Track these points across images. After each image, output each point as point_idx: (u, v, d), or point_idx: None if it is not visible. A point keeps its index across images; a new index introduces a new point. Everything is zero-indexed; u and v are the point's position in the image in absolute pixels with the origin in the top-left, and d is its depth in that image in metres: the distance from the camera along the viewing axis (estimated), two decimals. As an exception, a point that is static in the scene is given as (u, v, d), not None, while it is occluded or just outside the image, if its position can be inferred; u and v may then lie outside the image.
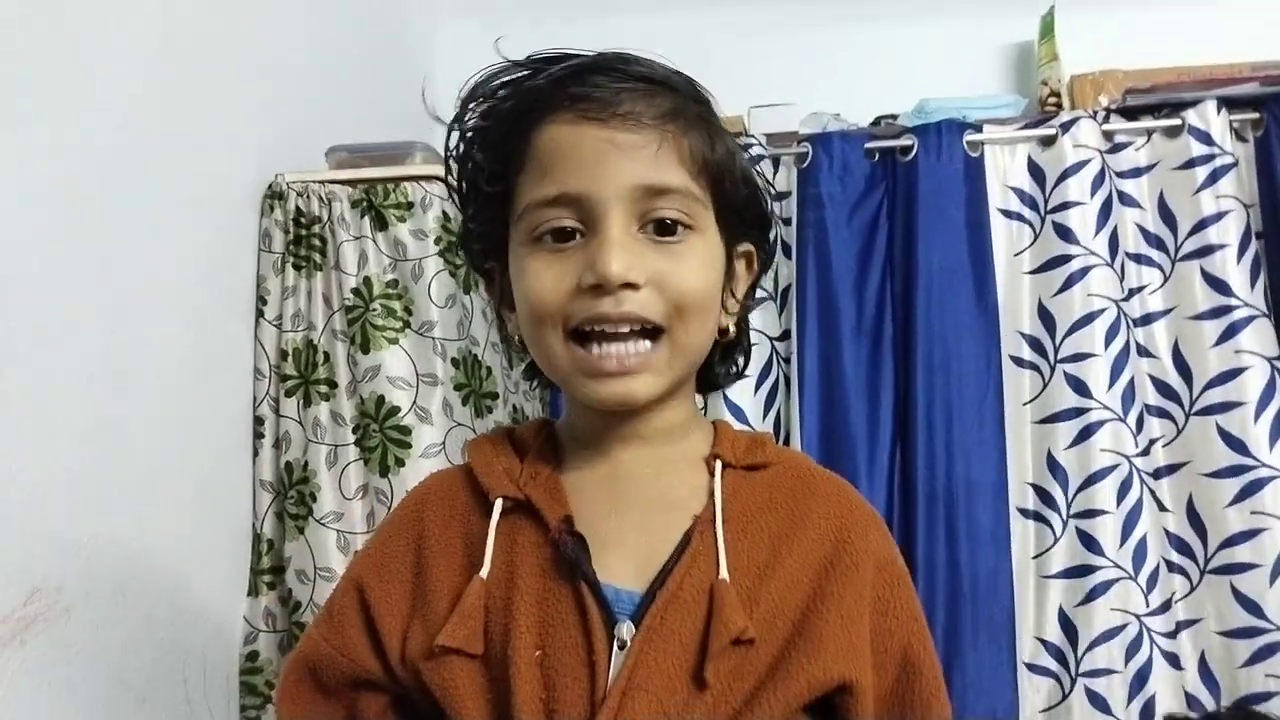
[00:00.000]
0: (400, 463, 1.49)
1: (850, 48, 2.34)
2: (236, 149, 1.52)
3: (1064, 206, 1.61)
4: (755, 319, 1.63)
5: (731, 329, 0.79)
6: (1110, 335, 1.56)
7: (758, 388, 1.65)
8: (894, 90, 2.03)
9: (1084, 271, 1.58)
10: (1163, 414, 1.58)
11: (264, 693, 1.47)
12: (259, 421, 1.53)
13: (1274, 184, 1.57)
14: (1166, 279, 1.61)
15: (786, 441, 1.62)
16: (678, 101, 0.71)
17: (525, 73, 0.73)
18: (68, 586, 1.09)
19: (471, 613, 0.69)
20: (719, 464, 0.74)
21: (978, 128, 1.68)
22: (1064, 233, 1.60)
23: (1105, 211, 1.60)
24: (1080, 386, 1.55)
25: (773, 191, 1.64)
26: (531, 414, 1.66)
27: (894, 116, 1.94)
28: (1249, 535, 1.49)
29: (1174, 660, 1.48)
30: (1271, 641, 1.46)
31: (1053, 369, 1.58)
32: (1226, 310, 1.55)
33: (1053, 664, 1.50)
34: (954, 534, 1.53)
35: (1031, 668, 1.51)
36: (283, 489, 1.52)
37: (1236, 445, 1.51)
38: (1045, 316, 1.60)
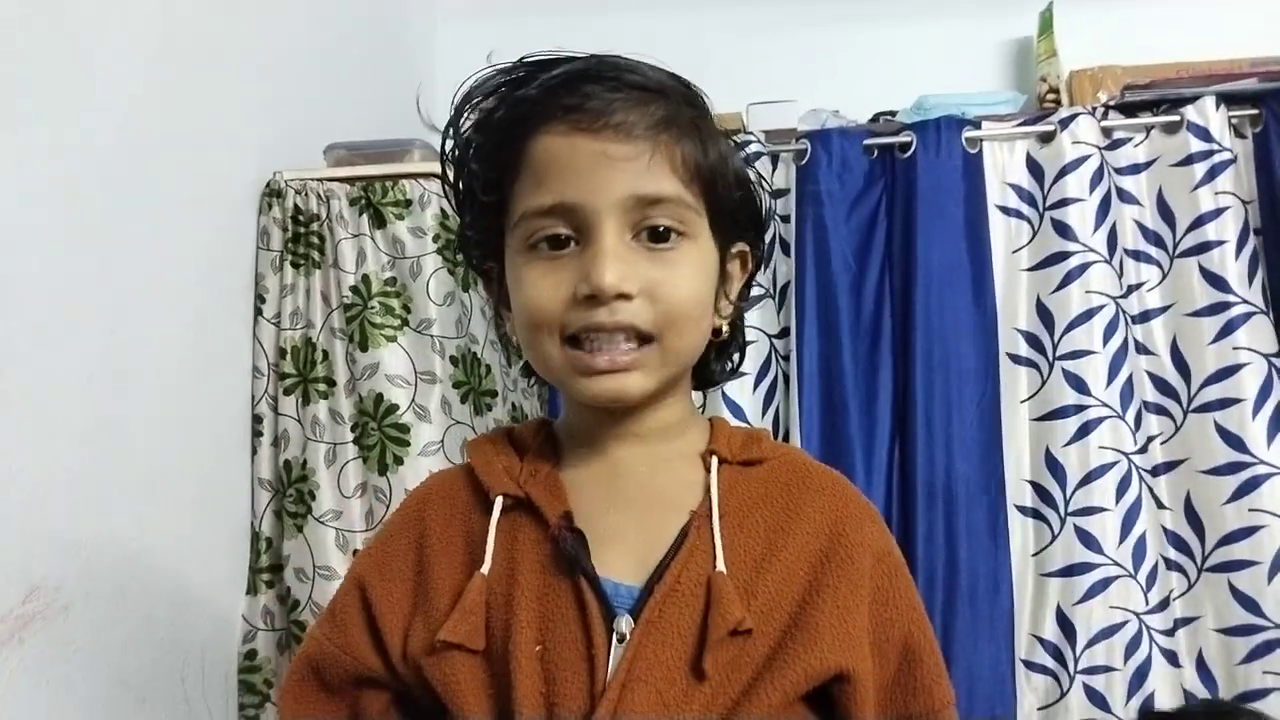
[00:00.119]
0: (399, 461, 1.49)
1: (850, 46, 2.34)
2: (235, 148, 1.52)
3: (1062, 203, 1.61)
4: (754, 316, 1.64)
5: (725, 329, 0.80)
6: (1109, 332, 1.56)
7: (756, 385, 1.65)
8: (893, 88, 2.03)
9: (1082, 268, 1.58)
10: (1161, 411, 1.58)
11: (263, 691, 1.48)
12: (258, 420, 1.54)
13: (1272, 180, 1.57)
14: (1165, 276, 1.61)
15: (785, 438, 1.62)
16: (671, 109, 0.72)
17: (518, 76, 0.73)
18: (67, 585, 1.09)
19: (473, 609, 0.70)
20: (715, 460, 0.75)
21: (976, 124, 1.68)
22: (1062, 229, 1.60)
23: (1104, 208, 1.60)
24: (1079, 383, 1.55)
25: (768, 188, 1.65)
26: (531, 411, 1.67)
27: (893, 113, 1.93)
28: (1247, 533, 1.49)
29: (1172, 658, 1.49)
30: (1269, 639, 1.46)
31: (1051, 366, 1.58)
32: (1224, 307, 1.55)
33: (1051, 662, 1.50)
34: (952, 531, 1.53)
35: (1029, 665, 1.51)
36: (281, 487, 1.52)
37: (1234, 442, 1.51)
38: (1044, 313, 1.60)
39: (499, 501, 0.74)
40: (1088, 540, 1.51)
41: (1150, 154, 1.64)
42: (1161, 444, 1.57)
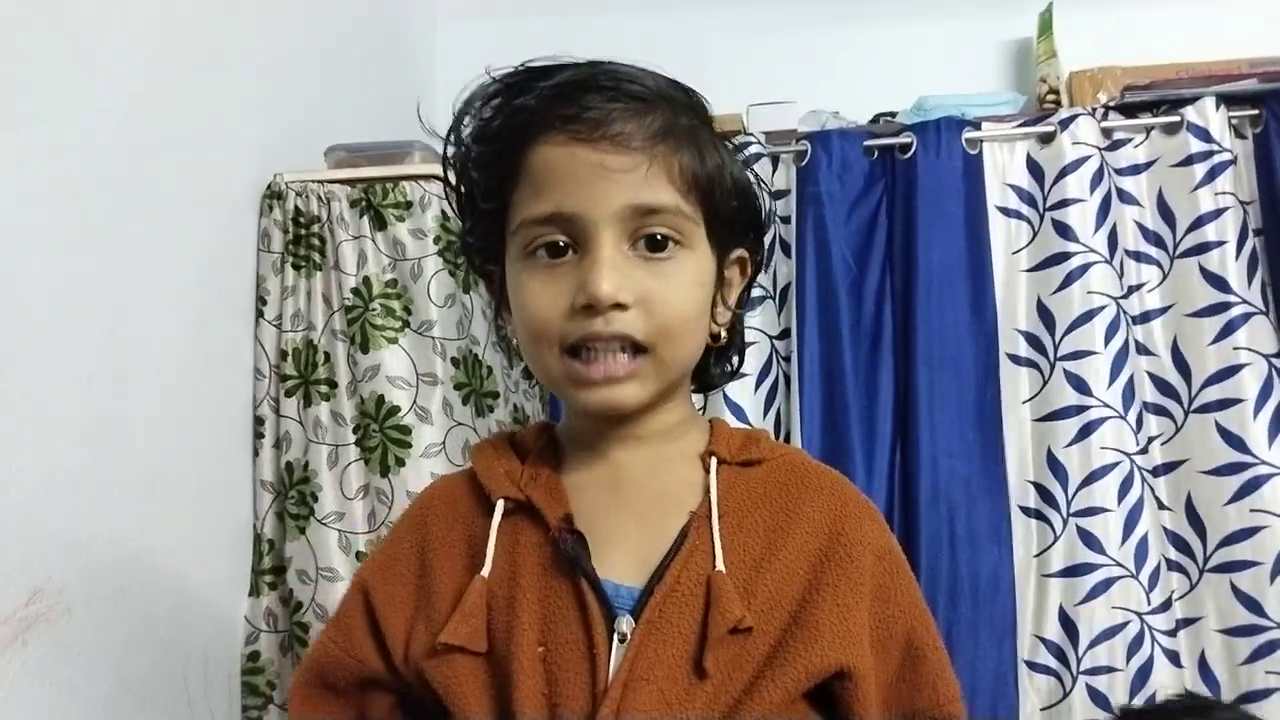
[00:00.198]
0: (401, 462, 1.49)
1: (850, 47, 2.34)
2: (236, 148, 1.52)
3: (1063, 204, 1.61)
4: (755, 317, 1.64)
5: (723, 334, 0.81)
6: (1110, 332, 1.56)
7: (758, 386, 1.65)
8: (893, 89, 2.03)
9: (1083, 269, 1.58)
10: (1162, 411, 1.58)
11: (265, 693, 1.48)
12: (259, 422, 1.54)
13: (1272, 181, 1.57)
14: (1165, 276, 1.61)
15: (787, 440, 1.62)
16: (668, 118, 0.72)
17: (517, 84, 0.74)
18: (69, 587, 1.09)
19: (473, 611, 0.71)
20: (714, 461, 0.76)
21: (976, 125, 1.68)
22: (1063, 230, 1.60)
23: (1104, 209, 1.60)
24: (1080, 384, 1.55)
25: (766, 190, 1.65)
26: (532, 413, 1.67)
27: (893, 114, 1.94)
28: (1248, 533, 1.49)
29: (1174, 658, 1.48)
30: (1271, 639, 1.46)
31: (1052, 367, 1.58)
32: (1225, 307, 1.55)
33: (1053, 662, 1.50)
34: (954, 532, 1.53)
35: (1032, 666, 1.51)
36: (283, 489, 1.52)
37: (1235, 442, 1.51)
38: (1044, 314, 1.60)
39: (500, 505, 0.75)
40: (1090, 541, 1.51)
41: (1150, 155, 1.64)
42: (1162, 444, 1.57)
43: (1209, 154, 1.59)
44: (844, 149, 1.68)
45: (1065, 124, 1.63)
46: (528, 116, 0.72)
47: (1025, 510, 1.56)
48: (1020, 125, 1.68)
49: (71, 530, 1.11)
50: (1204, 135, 1.60)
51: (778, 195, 1.70)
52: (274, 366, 1.54)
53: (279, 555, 1.51)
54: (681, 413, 0.79)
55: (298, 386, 1.53)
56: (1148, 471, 1.54)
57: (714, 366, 0.84)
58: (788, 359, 1.66)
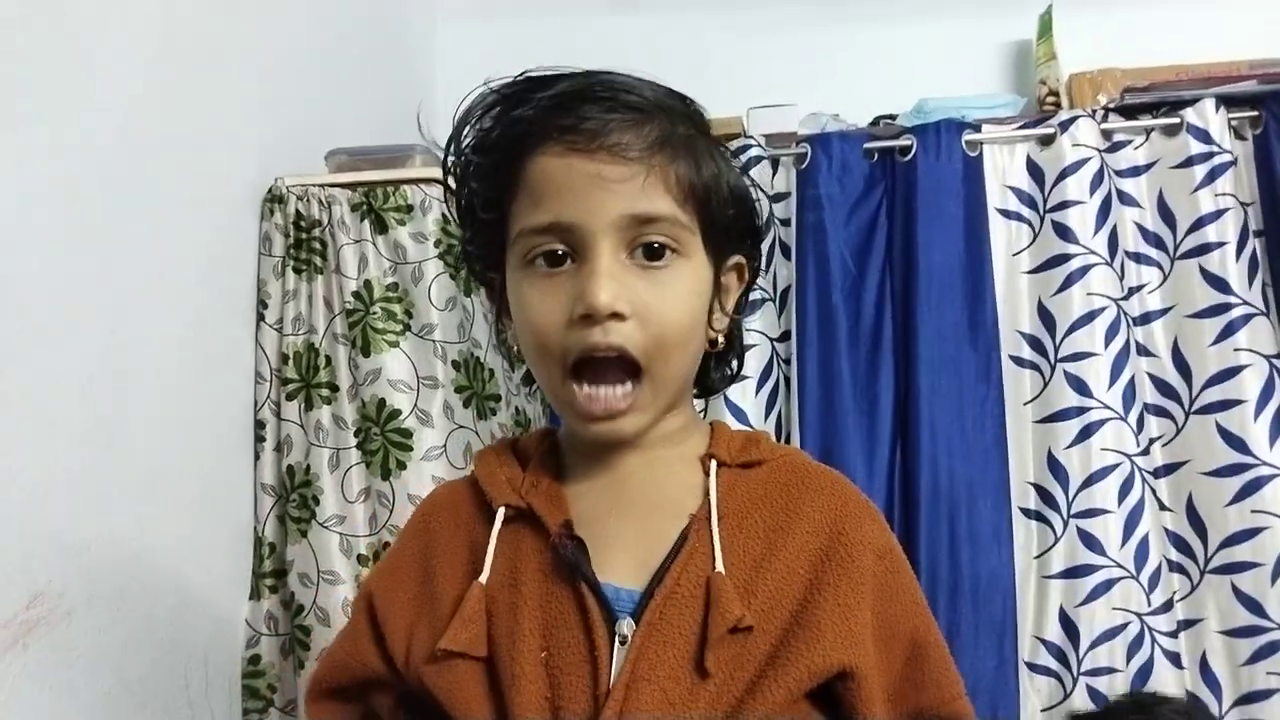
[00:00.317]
0: (402, 466, 1.49)
1: (850, 48, 2.35)
2: (236, 148, 1.52)
3: (1063, 205, 1.61)
4: (755, 320, 1.63)
5: (721, 340, 0.81)
6: (1110, 334, 1.56)
7: (759, 389, 1.65)
8: (893, 90, 2.03)
9: (1083, 270, 1.58)
10: (1162, 413, 1.58)
11: (266, 696, 1.47)
12: (260, 425, 1.53)
13: (1272, 182, 1.57)
14: (1166, 277, 1.61)
15: (788, 442, 1.62)
16: (665, 128, 0.73)
17: (515, 95, 0.74)
18: (69, 590, 1.09)
19: (473, 617, 0.71)
20: (714, 463, 0.77)
21: (976, 127, 1.68)
22: (1063, 232, 1.60)
23: (1104, 210, 1.60)
24: (1081, 386, 1.55)
25: (762, 194, 1.65)
26: (534, 416, 1.66)
27: (893, 116, 1.93)
28: (1249, 534, 1.48)
29: (1175, 659, 1.48)
30: (1272, 640, 1.46)
31: (1053, 368, 1.58)
32: (1225, 308, 1.55)
33: (1054, 663, 1.50)
34: (955, 534, 1.53)
35: (1032, 667, 1.50)
36: (284, 492, 1.52)
37: (1236, 444, 1.51)
38: (1045, 316, 1.60)
39: (501, 512, 0.76)
40: (1090, 542, 1.50)
41: (1150, 156, 1.64)
42: (1163, 446, 1.57)
43: (1209, 155, 1.59)
44: (844, 151, 1.67)
45: (1065, 126, 1.63)
46: (525, 127, 0.73)
47: (1026, 512, 1.56)
48: (1020, 127, 1.68)
49: (71, 532, 1.11)
50: (1204, 137, 1.60)
51: (778, 198, 1.70)
52: (275, 370, 1.54)
53: (280, 558, 1.51)
54: (683, 418, 0.80)
55: (299, 390, 1.53)
56: (1148, 473, 1.54)
57: (714, 371, 0.85)
58: (788, 361, 1.66)
